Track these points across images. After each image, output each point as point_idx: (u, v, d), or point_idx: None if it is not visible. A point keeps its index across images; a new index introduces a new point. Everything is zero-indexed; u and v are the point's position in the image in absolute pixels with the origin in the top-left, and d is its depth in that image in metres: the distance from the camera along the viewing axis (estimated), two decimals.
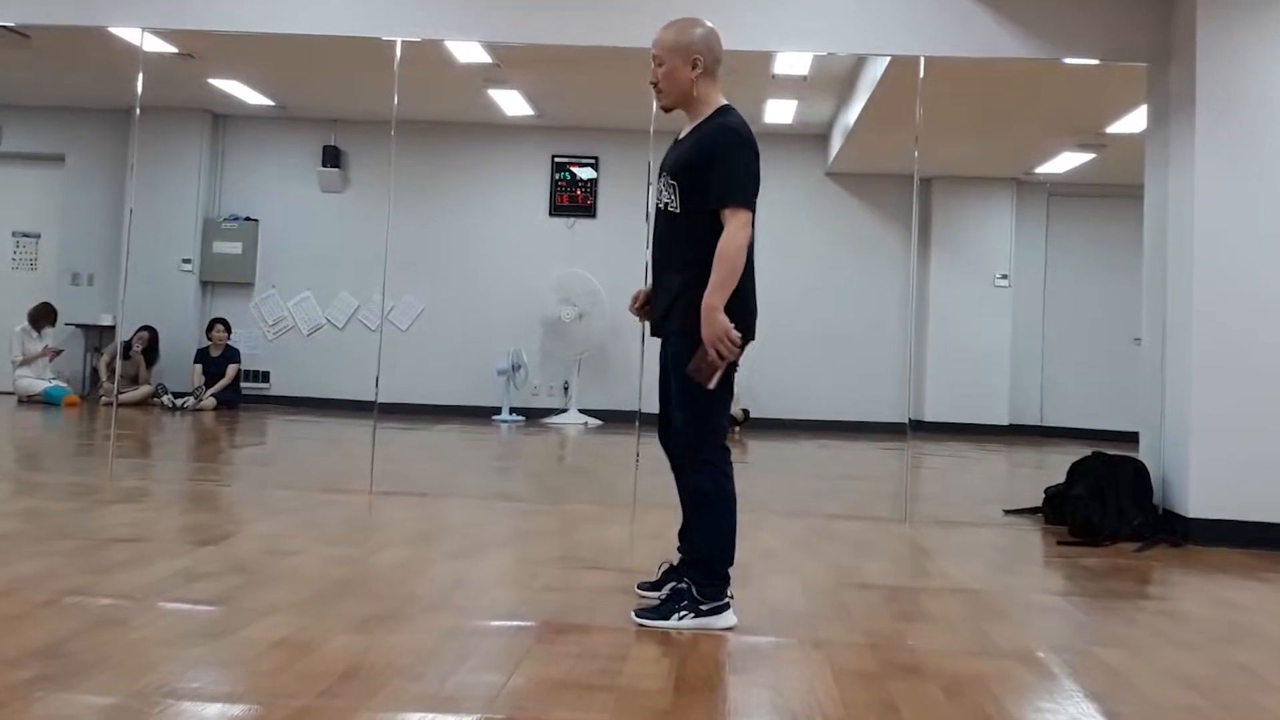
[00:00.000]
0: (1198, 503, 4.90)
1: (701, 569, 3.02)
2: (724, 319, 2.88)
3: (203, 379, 10.13)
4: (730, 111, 3.09)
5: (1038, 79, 7.05)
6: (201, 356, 10.28)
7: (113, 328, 10.41)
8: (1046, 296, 11.00)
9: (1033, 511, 5.49)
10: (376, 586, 3.31)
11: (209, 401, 9.98)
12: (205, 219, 10.72)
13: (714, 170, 2.97)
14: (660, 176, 3.16)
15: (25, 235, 10.94)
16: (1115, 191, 10.37)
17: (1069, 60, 5.52)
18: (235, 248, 10.71)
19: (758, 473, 6.93)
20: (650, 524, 4.71)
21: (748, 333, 3.05)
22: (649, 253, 3.25)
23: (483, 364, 10.48)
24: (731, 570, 3.05)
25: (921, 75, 5.72)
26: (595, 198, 10.86)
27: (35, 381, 9.96)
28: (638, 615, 3.02)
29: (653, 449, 3.35)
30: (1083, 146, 9.15)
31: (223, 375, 10.16)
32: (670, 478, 3.30)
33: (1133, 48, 5.42)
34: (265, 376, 10.71)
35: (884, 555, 4.27)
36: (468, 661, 2.58)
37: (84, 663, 2.42)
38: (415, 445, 7.73)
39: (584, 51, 5.91)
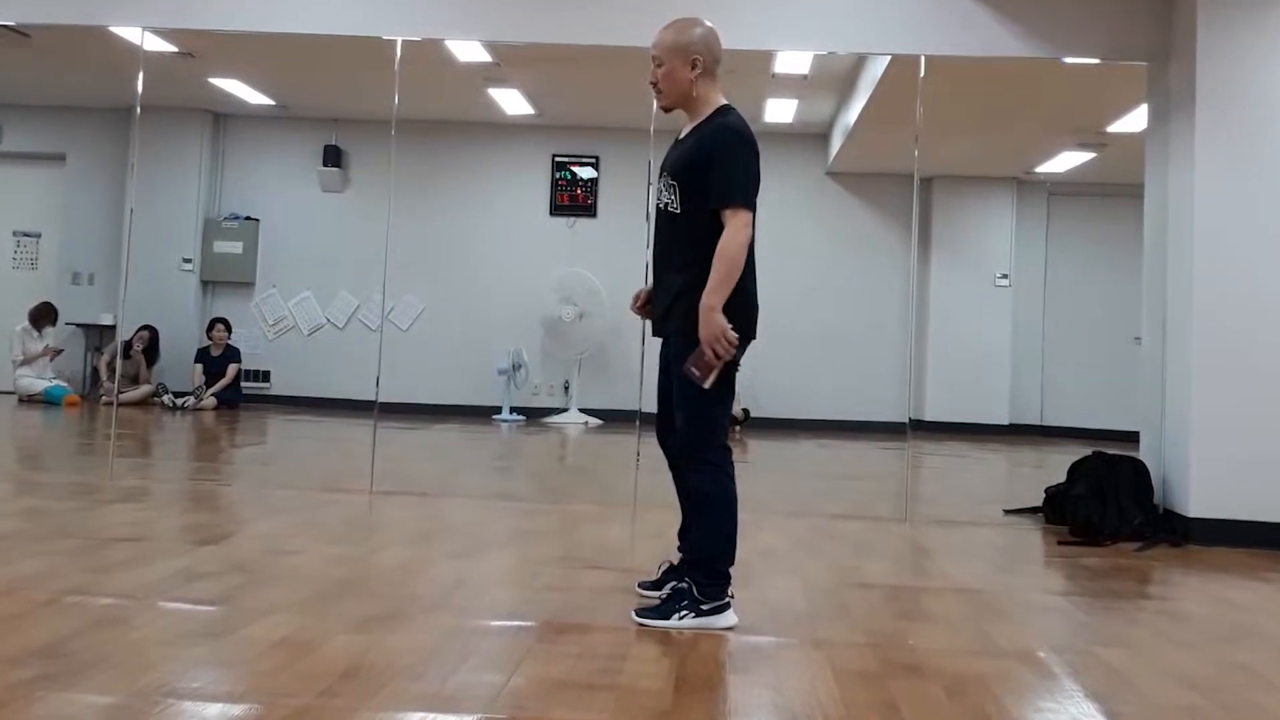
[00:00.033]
0: (1198, 502, 4.90)
1: (702, 568, 3.02)
2: (721, 319, 2.88)
3: (203, 378, 10.13)
4: (730, 111, 3.09)
5: (1038, 78, 7.05)
6: (202, 356, 10.28)
7: (113, 327, 10.42)
8: (1047, 296, 11.00)
9: (1033, 511, 5.49)
10: (377, 586, 3.31)
11: (209, 401, 9.98)
12: (206, 218, 10.72)
13: (714, 170, 2.97)
14: (660, 176, 3.16)
15: (26, 234, 10.95)
16: (1115, 191, 10.37)
17: (1069, 59, 5.52)
18: (236, 247, 10.71)
19: (758, 472, 6.93)
20: (651, 523, 4.71)
21: (749, 332, 3.05)
22: (649, 252, 3.25)
23: (483, 363, 10.48)
24: (732, 570, 3.05)
25: (922, 74, 5.72)
26: (595, 197, 10.86)
27: (36, 381, 9.97)
28: (638, 615, 3.02)
29: (653, 448, 3.35)
30: (1083, 146, 9.15)
31: (223, 375, 10.16)
32: (669, 477, 3.31)
33: (1133, 47, 5.42)
34: (266, 376, 10.71)
35: (885, 555, 4.27)
36: (468, 661, 2.58)
37: (85, 662, 2.42)
38: (416, 445, 7.73)
39: (584, 51, 5.91)
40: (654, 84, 3.15)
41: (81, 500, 4.64)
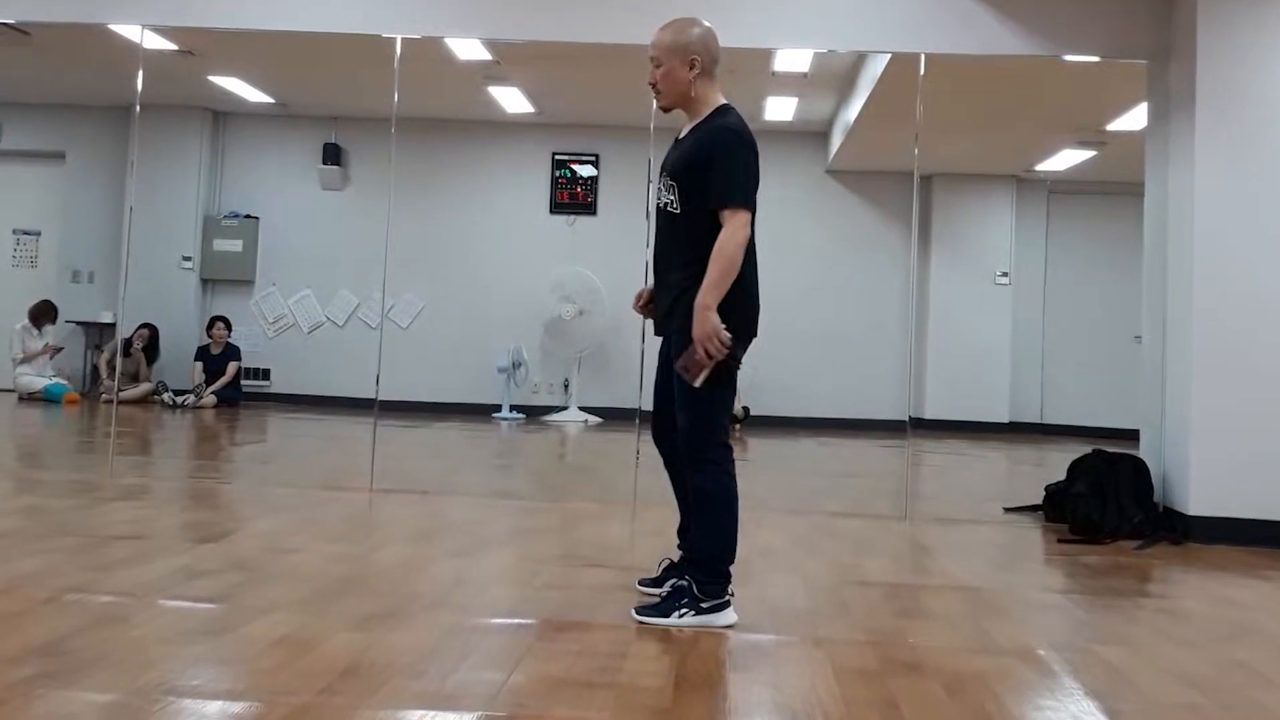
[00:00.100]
0: (1198, 500, 4.90)
1: (703, 567, 3.02)
2: (715, 318, 2.88)
3: (203, 376, 10.13)
4: (729, 111, 3.09)
5: (1038, 76, 7.05)
6: (202, 354, 10.28)
7: (113, 325, 10.42)
8: (1047, 294, 11.00)
9: (1033, 509, 5.50)
10: (377, 584, 3.32)
11: (209, 399, 9.99)
12: (205, 216, 10.72)
13: (713, 170, 2.97)
14: (660, 176, 3.16)
15: (25, 233, 10.94)
16: (1115, 189, 10.37)
17: (1069, 57, 5.52)
18: (235, 245, 10.71)
19: (758, 470, 6.93)
20: (651, 521, 4.71)
21: (750, 330, 3.05)
22: (649, 251, 3.25)
23: (483, 362, 10.48)
24: (732, 568, 3.05)
25: (922, 73, 5.72)
26: (596, 195, 10.86)
27: (36, 379, 9.97)
28: (638, 613, 3.02)
29: (652, 446, 3.34)
30: (1083, 144, 9.15)
31: (223, 373, 10.17)
32: (668, 475, 3.32)
33: (1133, 45, 5.42)
34: (265, 374, 10.72)
35: (884, 553, 4.27)
36: (468, 659, 2.58)
37: (85, 660, 2.42)
38: (416, 443, 7.73)
39: (584, 49, 5.91)
40: (653, 84, 3.15)
41: (81, 498, 4.64)
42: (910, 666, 2.69)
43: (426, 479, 5.97)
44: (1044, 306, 10.99)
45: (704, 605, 2.99)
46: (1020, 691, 2.53)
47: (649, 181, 5.46)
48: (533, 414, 10.39)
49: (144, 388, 10.05)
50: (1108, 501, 4.98)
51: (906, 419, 7.95)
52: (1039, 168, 10.35)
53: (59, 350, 10.30)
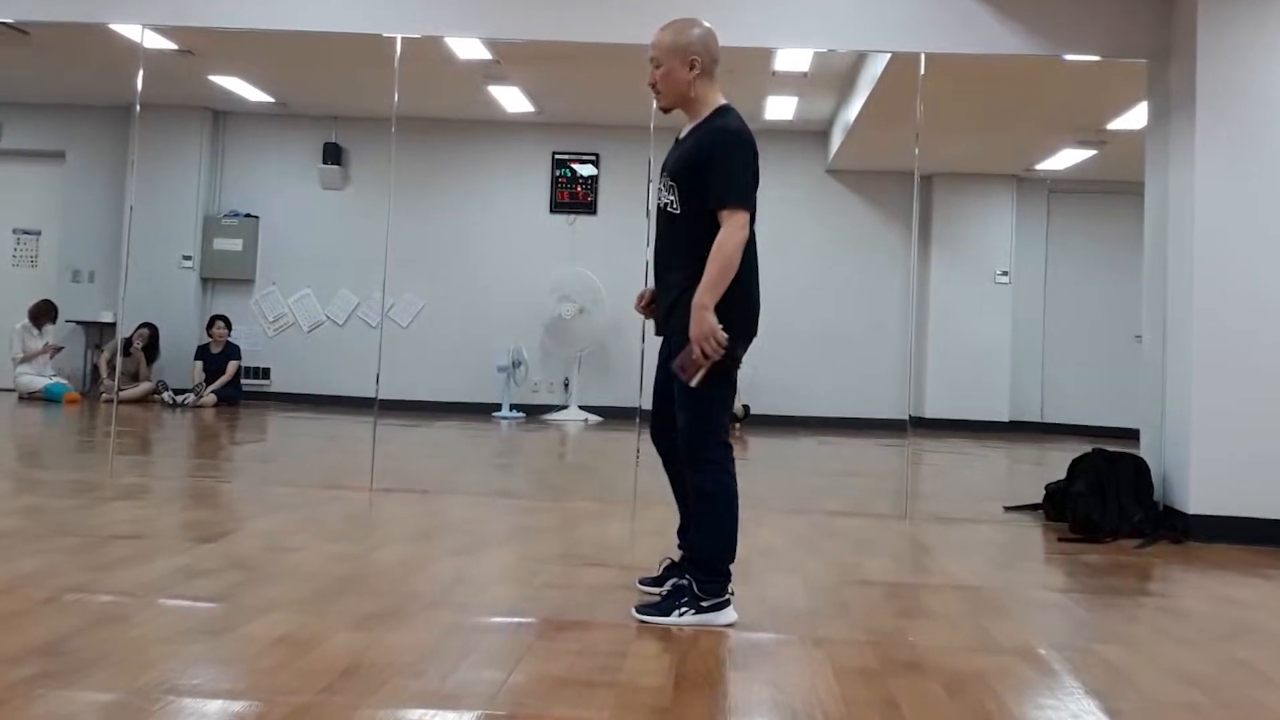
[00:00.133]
0: (1198, 499, 4.90)
1: (703, 566, 3.02)
2: (712, 318, 2.89)
3: (203, 376, 10.13)
4: (729, 112, 3.10)
5: (1038, 76, 7.05)
6: (202, 353, 10.28)
7: (113, 325, 10.42)
8: (1047, 293, 11.00)
9: (1033, 508, 5.50)
10: (377, 583, 3.32)
11: (209, 398, 9.99)
12: (206, 216, 10.72)
13: (712, 171, 2.98)
14: (661, 177, 3.16)
15: (26, 232, 10.95)
16: (1116, 188, 10.37)
17: (1069, 57, 5.52)
18: (236, 244, 10.71)
19: (758, 469, 6.93)
20: (651, 520, 4.71)
21: (750, 330, 3.06)
22: (650, 251, 3.25)
23: (483, 361, 10.48)
24: (732, 567, 3.06)
25: (922, 72, 5.72)
26: (596, 194, 10.86)
27: (36, 379, 9.97)
28: (638, 612, 3.03)
29: (652, 446, 3.34)
30: (1083, 143, 9.15)
31: (223, 372, 10.17)
32: (665, 475, 3.32)
33: (1133, 44, 5.42)
34: (266, 373, 10.72)
35: (884, 552, 4.27)
36: (468, 658, 2.58)
37: (85, 660, 2.42)
38: (416, 442, 7.73)
39: (584, 48, 5.91)
40: (653, 85, 3.16)
41: (81, 498, 4.64)
42: (910, 666, 2.69)
43: (426, 478, 5.97)
44: (1044, 306, 10.99)
45: (704, 604, 2.99)
46: (1020, 690, 2.53)
47: (649, 181, 5.46)
48: (533, 413, 10.39)
49: (144, 387, 10.05)
50: (1108, 500, 4.98)
51: (907, 418, 7.94)
52: (1039, 167, 10.35)
53: (59, 350, 10.31)
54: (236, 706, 2.18)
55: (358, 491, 5.22)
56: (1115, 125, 8.26)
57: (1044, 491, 5.43)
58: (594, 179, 10.86)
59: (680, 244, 3.06)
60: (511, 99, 9.64)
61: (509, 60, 8.20)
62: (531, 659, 2.60)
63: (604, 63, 7.80)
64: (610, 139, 10.68)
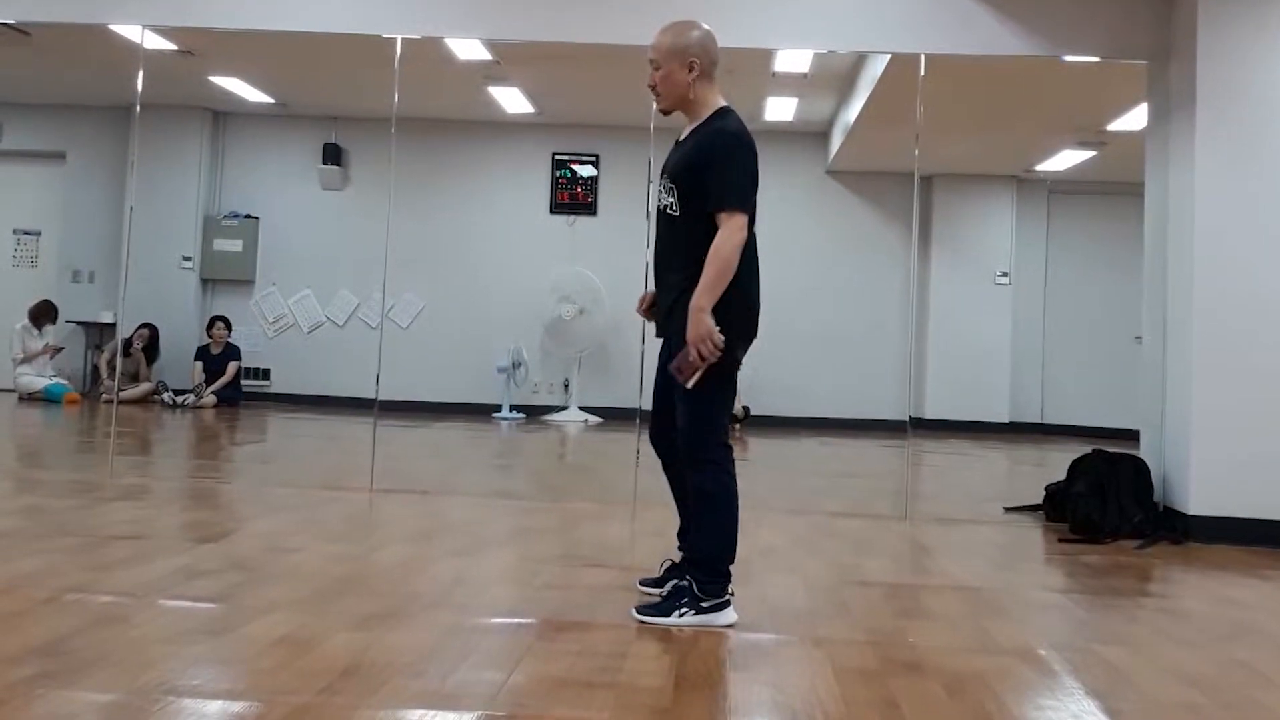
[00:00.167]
0: (1198, 500, 4.90)
1: (703, 566, 3.02)
2: (709, 320, 2.89)
3: (203, 376, 10.13)
4: (728, 114, 3.10)
5: (1038, 76, 7.05)
6: (202, 354, 10.28)
7: (113, 325, 10.42)
8: (1047, 294, 11.00)
9: (1033, 509, 5.50)
10: (377, 584, 3.32)
11: (209, 399, 9.99)
12: (206, 216, 10.72)
13: (711, 173, 2.98)
14: (661, 178, 3.17)
15: (26, 233, 10.95)
16: (1116, 189, 10.38)
17: (1069, 58, 5.52)
18: (236, 245, 10.71)
19: (758, 470, 6.93)
20: (651, 521, 4.71)
21: (750, 331, 3.06)
22: (649, 252, 3.25)
23: (483, 361, 10.48)
24: (732, 568, 3.06)
25: (922, 73, 5.72)
26: (596, 195, 10.86)
27: (36, 379, 9.97)
28: (639, 612, 3.03)
29: (651, 448, 3.34)
30: (1083, 144, 9.15)
31: (223, 373, 10.17)
32: (664, 477, 3.32)
33: (1133, 45, 5.42)
34: (266, 374, 10.72)
35: (884, 553, 4.27)
36: (468, 659, 2.58)
37: (85, 660, 2.42)
38: (416, 443, 7.73)
39: (584, 49, 5.90)
40: (652, 87, 3.16)
41: (81, 498, 4.64)
42: (910, 666, 2.69)
43: (426, 479, 5.96)
44: (1044, 306, 10.99)
45: (704, 605, 2.99)
46: (1020, 691, 2.53)
47: (649, 182, 5.46)
48: (533, 414, 10.39)
49: (144, 387, 10.05)
50: (1108, 501, 4.98)
51: (907, 419, 7.95)
52: (1039, 168, 10.35)
53: (59, 350, 10.31)
54: (236, 707, 2.18)
55: (358, 492, 5.22)
56: (1115, 126, 8.27)
57: (1044, 492, 5.43)
58: (594, 180, 10.86)
59: (680, 245, 3.06)
60: (511, 100, 9.64)
61: (509, 61, 8.20)
62: (531, 659, 2.60)
63: (604, 63, 7.80)
64: (610, 140, 10.69)
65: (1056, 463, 6.19)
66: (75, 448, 6.82)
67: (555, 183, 10.89)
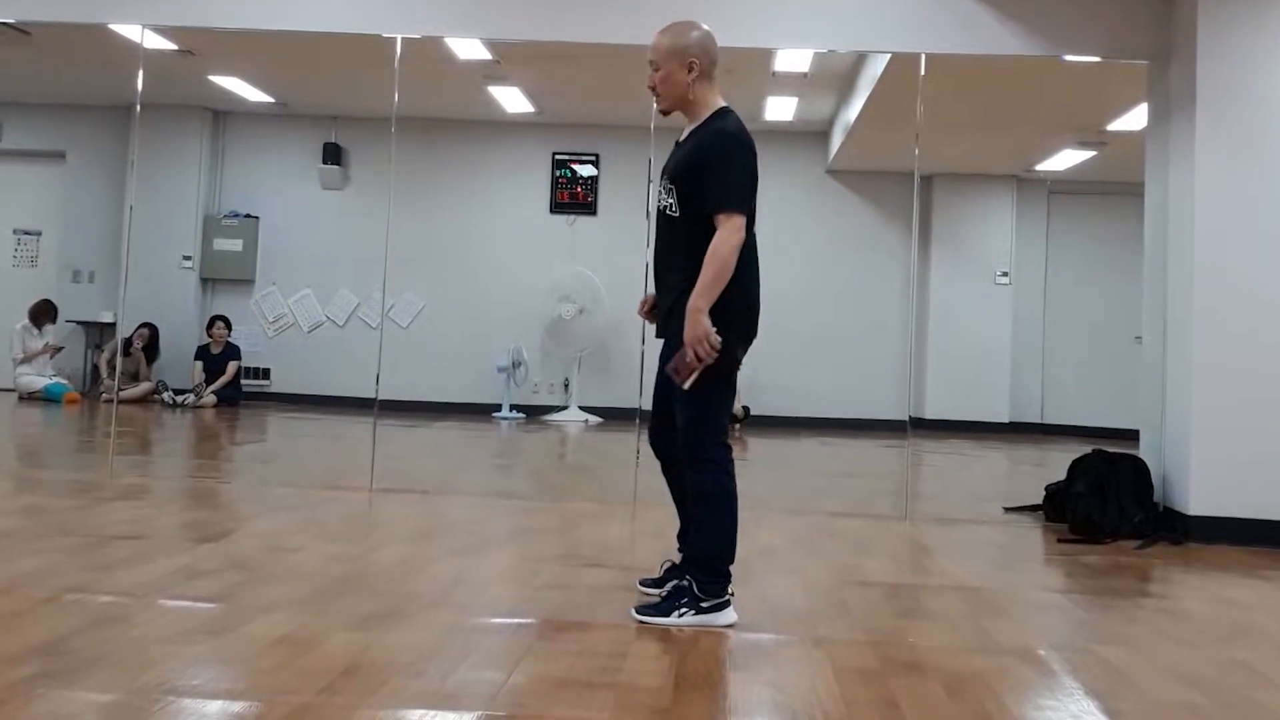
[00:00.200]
0: (1198, 500, 4.90)
1: (703, 566, 3.03)
2: (706, 322, 2.89)
3: (203, 376, 10.13)
4: (728, 114, 3.10)
5: (1038, 76, 7.05)
6: (202, 353, 10.28)
7: (113, 325, 10.42)
8: (1047, 294, 11.00)
9: (1033, 509, 5.50)
10: (377, 584, 3.32)
11: (209, 398, 9.99)
12: (206, 216, 10.72)
13: (709, 175, 2.98)
14: (661, 179, 3.17)
15: (26, 232, 10.95)
16: (1116, 189, 10.37)
17: (1070, 58, 5.52)
18: (236, 245, 10.71)
19: (758, 470, 6.93)
20: (651, 521, 4.71)
21: (750, 331, 3.06)
22: (649, 252, 3.25)
23: (483, 361, 10.48)
24: (732, 568, 3.06)
25: (922, 73, 5.72)
26: (596, 195, 10.86)
27: (36, 379, 9.97)
28: (638, 612, 3.03)
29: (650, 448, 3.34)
30: (1083, 144, 9.15)
31: (223, 372, 10.17)
32: (663, 478, 3.32)
33: (1133, 45, 5.42)
34: (266, 374, 10.72)
35: (884, 553, 4.27)
36: (468, 659, 2.58)
37: (85, 660, 2.42)
38: (416, 442, 7.73)
39: (584, 48, 5.91)
40: (652, 88, 3.17)
41: (81, 498, 4.64)
42: (910, 666, 2.69)
43: (426, 479, 5.97)
44: (1044, 306, 10.99)
45: (704, 605, 2.99)
46: (1020, 691, 2.53)
47: (649, 181, 5.46)
48: (533, 414, 10.39)
49: (144, 387, 10.05)
50: (1108, 501, 4.98)
51: (907, 419, 7.96)
52: (1039, 168, 10.35)
53: (59, 350, 10.31)
54: (236, 707, 2.18)
55: (358, 492, 5.22)
56: (1115, 126, 8.27)
57: (1044, 492, 5.43)
58: (594, 179, 10.86)
59: (680, 246, 3.06)
60: (511, 99, 9.64)
61: (509, 60, 8.20)
62: (531, 659, 2.60)
63: (604, 63, 7.80)
64: (610, 139, 10.68)
65: (1056, 463, 6.19)
66: (75, 447, 6.82)
67: (555, 182, 10.89)
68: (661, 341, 3.18)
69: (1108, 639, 3.07)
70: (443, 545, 3.98)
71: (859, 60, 7.98)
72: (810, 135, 10.62)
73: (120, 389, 8.41)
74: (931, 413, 10.58)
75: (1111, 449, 5.30)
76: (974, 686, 2.55)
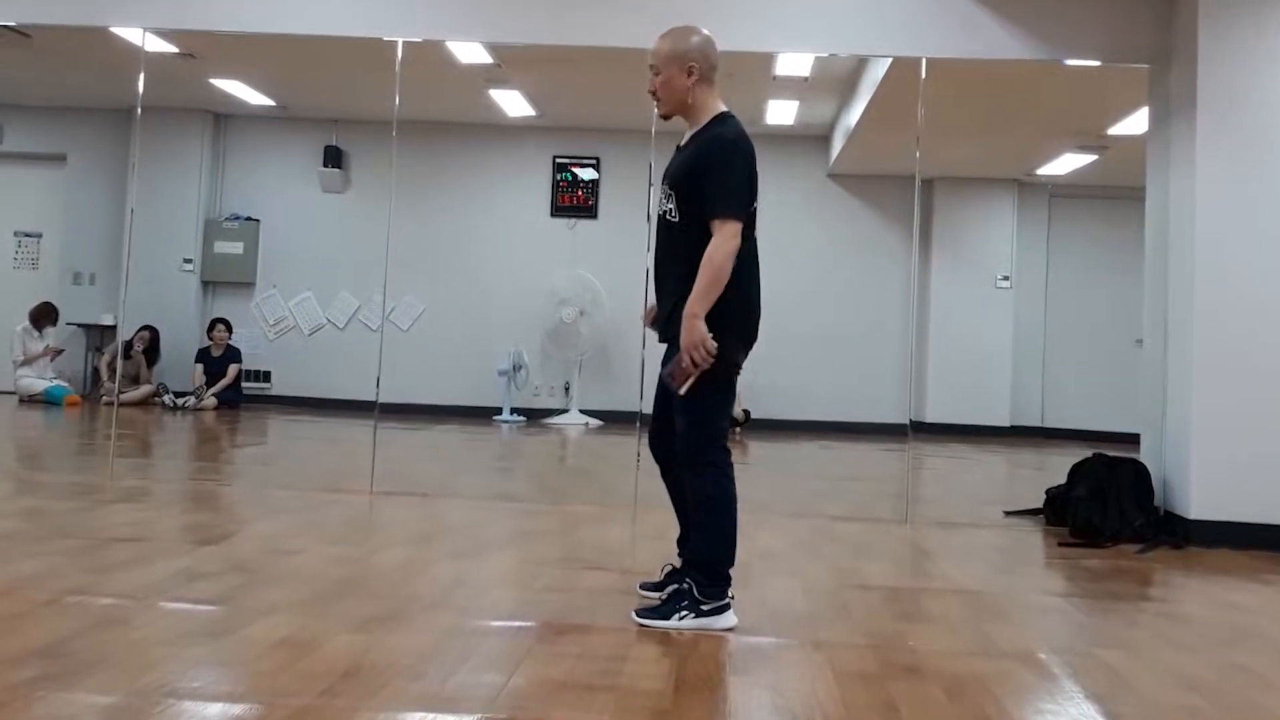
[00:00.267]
0: (1199, 504, 4.90)
1: (703, 569, 3.03)
2: (702, 327, 2.89)
3: (204, 379, 10.13)
4: (727, 120, 3.10)
5: (1039, 80, 7.05)
6: (203, 356, 10.28)
7: (114, 327, 10.42)
8: (1048, 298, 11.00)
9: (1034, 513, 5.49)
10: (377, 586, 3.32)
11: (210, 401, 9.99)
12: (206, 219, 10.72)
13: (706, 181, 2.99)
14: (661, 184, 3.17)
15: (27, 235, 10.95)
16: (1117, 193, 10.37)
17: (1070, 62, 5.52)
18: (236, 247, 10.72)
19: (759, 474, 6.93)
20: (651, 524, 4.71)
21: (750, 335, 3.06)
22: (650, 257, 3.25)
23: (484, 364, 10.48)
24: (732, 571, 3.06)
25: (923, 76, 5.72)
26: (596, 198, 10.86)
27: (36, 381, 9.97)
28: (639, 615, 3.03)
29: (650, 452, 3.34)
30: (1084, 148, 9.15)
31: (224, 375, 10.17)
32: (662, 482, 3.32)
33: (1134, 49, 5.42)
34: (266, 376, 10.72)
35: (885, 556, 4.27)
36: (468, 661, 2.58)
37: (85, 662, 2.42)
38: (416, 445, 7.73)
39: (585, 52, 5.91)
40: (652, 92, 3.18)
41: (82, 500, 4.64)
42: (910, 670, 2.69)
43: (427, 481, 5.97)
44: (1045, 310, 10.99)
45: (704, 608, 2.99)
46: (1021, 695, 2.53)
47: (650, 185, 5.46)
48: (533, 417, 10.39)
49: (144, 390, 10.05)
50: (1108, 505, 4.98)
51: (907, 422, 7.95)
52: (1040, 172, 10.35)
53: (60, 352, 10.30)
54: (237, 709, 2.18)
55: (358, 495, 5.22)
56: (1116, 130, 8.27)
57: (1044, 496, 5.43)
58: (595, 183, 10.87)
59: (679, 251, 3.06)
60: (512, 103, 9.64)
61: (510, 64, 8.20)
62: (531, 662, 2.60)
63: (605, 66, 7.80)
64: (611, 143, 10.69)
65: (1057, 466, 6.18)
66: (76, 450, 6.82)
67: (556, 186, 10.89)
68: (665, 346, 3.18)
69: (1108, 643, 3.07)
70: (443, 548, 3.98)
71: (860, 64, 7.98)
72: (811, 139, 10.63)
73: (121, 392, 8.41)
74: (932, 416, 10.58)
75: (1112, 453, 5.30)
76: (974, 690, 2.55)
